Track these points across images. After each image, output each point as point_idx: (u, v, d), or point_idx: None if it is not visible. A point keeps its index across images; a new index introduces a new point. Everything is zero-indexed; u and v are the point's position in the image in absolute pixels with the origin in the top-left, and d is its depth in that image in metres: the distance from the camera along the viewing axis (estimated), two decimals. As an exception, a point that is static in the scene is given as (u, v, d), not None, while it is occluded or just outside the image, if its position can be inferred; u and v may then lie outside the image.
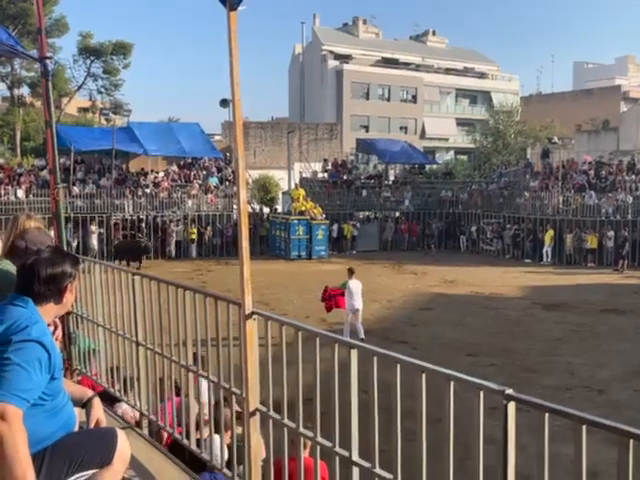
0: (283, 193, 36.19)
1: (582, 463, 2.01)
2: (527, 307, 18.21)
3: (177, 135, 31.20)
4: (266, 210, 33.80)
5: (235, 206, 29.66)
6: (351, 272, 14.10)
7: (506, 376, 11.59)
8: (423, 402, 2.65)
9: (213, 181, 31.29)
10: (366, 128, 55.80)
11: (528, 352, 13.34)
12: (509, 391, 2.22)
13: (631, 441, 1.87)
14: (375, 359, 2.76)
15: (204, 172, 32.12)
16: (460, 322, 16.13)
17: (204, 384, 3.95)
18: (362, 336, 13.42)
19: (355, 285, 13.88)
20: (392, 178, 37.58)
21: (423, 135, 58.15)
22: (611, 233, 27.06)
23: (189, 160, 32.78)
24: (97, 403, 3.05)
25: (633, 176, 29.78)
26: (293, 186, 33.03)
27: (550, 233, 28.38)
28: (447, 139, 60.00)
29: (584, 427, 2.02)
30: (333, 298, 13.99)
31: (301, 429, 3.21)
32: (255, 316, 3.37)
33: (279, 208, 34.90)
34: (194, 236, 28.74)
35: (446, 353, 12.49)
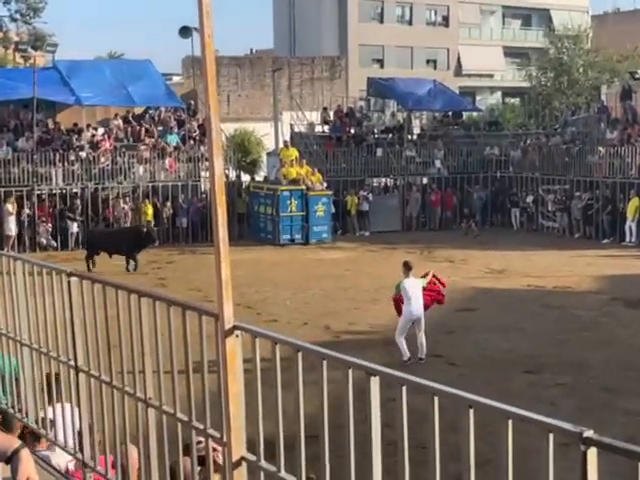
0: (268, 154, 36.14)
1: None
2: (604, 304, 18.26)
3: (121, 77, 31.07)
4: (245, 178, 33.73)
5: (203, 173, 29.66)
6: (407, 267, 14.03)
7: (578, 399, 11.66)
8: (471, 445, 2.66)
9: (172, 140, 31.23)
10: (380, 63, 55.67)
11: (607, 366, 13.39)
12: (589, 433, 2.22)
13: None
14: (404, 389, 2.77)
15: (160, 128, 32.05)
16: (514, 327, 16.18)
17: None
18: (422, 355, 13.65)
19: (413, 285, 13.83)
20: (417, 131, 37.49)
21: (459, 71, 58.07)
22: None
23: (139, 111, 32.68)
24: (26, 456, 3.06)
25: None
26: (282, 145, 32.97)
27: (635, 203, 28.39)
28: (491, 76, 59.90)
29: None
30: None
31: (304, 484, 3.23)
32: (238, 332, 3.37)
33: (263, 175, 34.87)
34: (149, 216, 28.77)
35: (496, 370, 12.57)
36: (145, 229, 24.92)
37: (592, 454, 2.25)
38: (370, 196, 32.13)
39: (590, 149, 31.61)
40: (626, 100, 33.92)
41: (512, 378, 12.73)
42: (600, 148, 30.97)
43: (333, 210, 30.49)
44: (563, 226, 31.05)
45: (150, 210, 28.92)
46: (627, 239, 28.63)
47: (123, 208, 28.70)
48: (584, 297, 19.10)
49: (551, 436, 2.38)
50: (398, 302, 14.19)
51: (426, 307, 14.22)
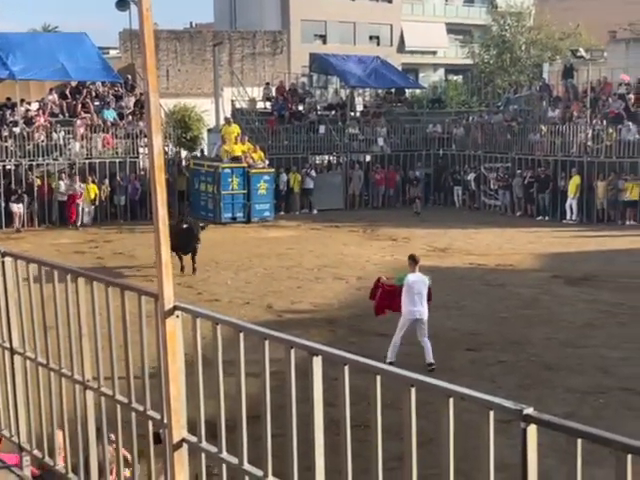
0: (209, 131, 35.85)
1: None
2: (545, 282, 18.58)
3: (56, 51, 30.49)
4: (185, 155, 33.44)
5: (142, 150, 29.32)
6: (414, 261, 12.48)
7: (519, 376, 11.87)
8: (413, 424, 2.70)
9: (109, 115, 30.81)
10: (323, 38, 55.46)
11: (547, 343, 13.64)
12: (528, 411, 2.26)
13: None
14: (346, 369, 2.79)
15: (96, 103, 31.57)
16: (456, 305, 16.37)
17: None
18: (430, 359, 12.16)
19: (417, 281, 12.30)
20: (360, 108, 37.51)
21: (402, 48, 58.17)
22: (657, 179, 27.69)
23: (74, 85, 32.13)
24: None
25: (685, 101, 30.39)
26: (223, 121, 32.74)
27: (575, 181, 28.88)
28: (434, 52, 60.15)
29: (629, 457, 2.08)
30: (388, 297, 12.71)
31: (245, 465, 3.24)
32: (178, 312, 3.36)
33: (204, 152, 34.62)
34: (93, 193, 28.43)
35: (438, 348, 12.68)
36: (187, 226, 19.42)
37: (532, 431, 2.29)
38: (313, 173, 32.13)
39: (532, 127, 32.00)
40: (568, 78, 34.36)
41: (454, 356, 12.90)
42: (542, 126, 31.38)
43: (284, 188, 30.61)
44: (505, 204, 31.43)
45: (94, 189, 28.56)
46: (568, 217, 29.14)
47: (59, 185, 28.22)
48: (525, 275, 19.40)
49: (492, 414, 2.42)
50: (378, 287, 12.87)
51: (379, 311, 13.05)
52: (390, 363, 11.32)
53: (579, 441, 2.19)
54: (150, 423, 3.72)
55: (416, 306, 12.18)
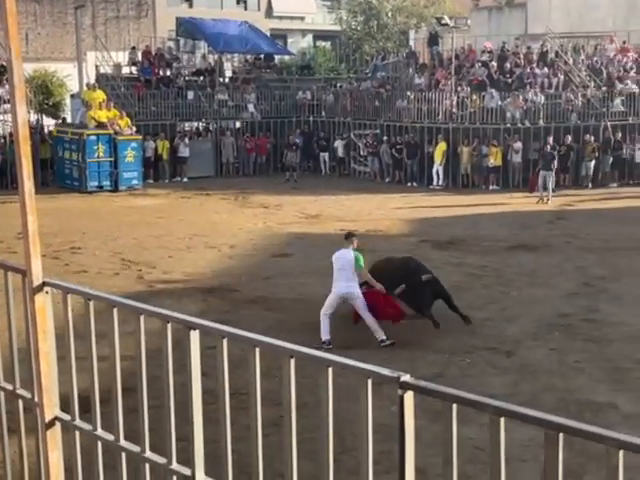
0: (72, 96, 34.89)
1: (500, 460, 2.16)
2: (414, 247, 18.99)
3: None
4: (48, 122, 32.42)
5: (0, 116, 28.25)
6: (346, 237, 12.26)
7: (391, 339, 12.12)
8: (292, 393, 2.73)
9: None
10: (189, 2, 54.42)
11: (417, 306, 13.97)
12: (405, 377, 2.32)
13: (561, 435, 2.04)
14: (225, 342, 2.79)
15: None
16: (328, 271, 16.46)
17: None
18: (382, 336, 11.55)
19: (340, 257, 11.92)
20: (229, 74, 37.20)
21: (270, 13, 57.83)
22: (518, 145, 28.71)
23: None
24: None
25: (545, 69, 31.54)
26: (86, 87, 31.85)
27: (442, 147, 29.59)
28: (302, 18, 60.08)
29: (502, 420, 2.16)
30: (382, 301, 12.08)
31: (122, 441, 3.20)
32: (47, 288, 3.27)
33: (67, 118, 33.62)
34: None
35: (312, 314, 12.82)
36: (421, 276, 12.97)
37: (409, 397, 2.36)
38: (187, 140, 31.65)
39: (400, 94, 32.52)
40: (433, 46, 35.10)
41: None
42: (409, 93, 31.93)
43: (152, 155, 30.02)
44: (374, 170, 31.90)
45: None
46: (434, 182, 29.87)
47: None
48: (395, 240, 19.78)
49: (369, 381, 2.48)
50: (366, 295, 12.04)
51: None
52: (324, 342, 11.26)
53: (454, 405, 2.27)
54: (20, 402, 3.62)
55: (338, 281, 11.86)
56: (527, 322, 12.97)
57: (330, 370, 2.56)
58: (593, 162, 28.96)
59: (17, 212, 3.41)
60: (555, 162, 26.03)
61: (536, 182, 26.20)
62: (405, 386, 2.32)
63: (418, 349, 11.64)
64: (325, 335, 11.51)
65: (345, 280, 11.80)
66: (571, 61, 32.12)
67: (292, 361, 2.65)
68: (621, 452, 1.99)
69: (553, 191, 25.95)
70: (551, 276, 16.04)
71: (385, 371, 2.39)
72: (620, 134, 29.19)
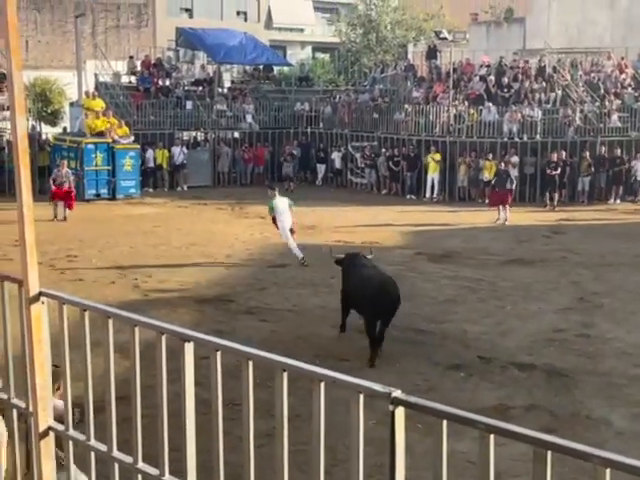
0: (71, 105, 34.88)
1: (490, 477, 2.18)
2: (409, 259, 19.04)
3: None
4: (47, 130, 32.44)
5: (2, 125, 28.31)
6: (271, 189, 18.91)
7: (384, 351, 12.13)
8: (284, 406, 2.75)
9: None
10: (189, 12, 54.58)
11: (410, 318, 13.95)
12: (397, 393, 2.34)
13: (549, 453, 2.06)
14: (219, 355, 2.81)
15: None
16: (324, 282, 16.55)
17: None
18: (300, 255, 17.80)
19: (281, 202, 18.07)
20: (228, 84, 37.25)
21: (269, 24, 57.98)
22: (515, 159, 28.73)
23: None
24: None
25: (543, 83, 31.62)
26: (85, 95, 31.88)
27: (434, 157, 29.60)
28: (302, 30, 60.24)
29: (492, 436, 2.18)
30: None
31: (115, 452, 3.21)
32: (44, 298, 3.28)
33: (67, 127, 33.65)
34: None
35: (307, 325, 12.85)
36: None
37: (400, 413, 2.37)
38: (185, 150, 31.72)
39: (397, 107, 32.60)
40: (431, 59, 35.20)
41: (321, 333, 13.07)
42: (407, 106, 32.02)
43: (151, 164, 30.02)
44: (371, 182, 31.95)
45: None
46: (430, 195, 29.95)
47: None
48: (390, 252, 19.78)
49: (361, 396, 2.49)
50: (275, 220, 18.13)
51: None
52: (302, 258, 17.79)
53: (444, 422, 2.28)
54: (14, 412, 3.63)
55: (286, 221, 17.89)
56: (522, 336, 12.99)
57: (322, 385, 2.58)
58: (589, 178, 28.98)
59: (14, 219, 3.43)
60: (510, 181, 24.89)
61: (495, 199, 25.20)
62: (396, 402, 2.34)
63: (411, 361, 11.65)
64: (299, 256, 17.78)
65: (287, 217, 18.17)
66: (569, 76, 32.20)
67: (285, 375, 2.67)
68: (608, 470, 2.01)
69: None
70: (546, 291, 16.05)
71: (376, 386, 2.40)
72: (619, 150, 29.15)
